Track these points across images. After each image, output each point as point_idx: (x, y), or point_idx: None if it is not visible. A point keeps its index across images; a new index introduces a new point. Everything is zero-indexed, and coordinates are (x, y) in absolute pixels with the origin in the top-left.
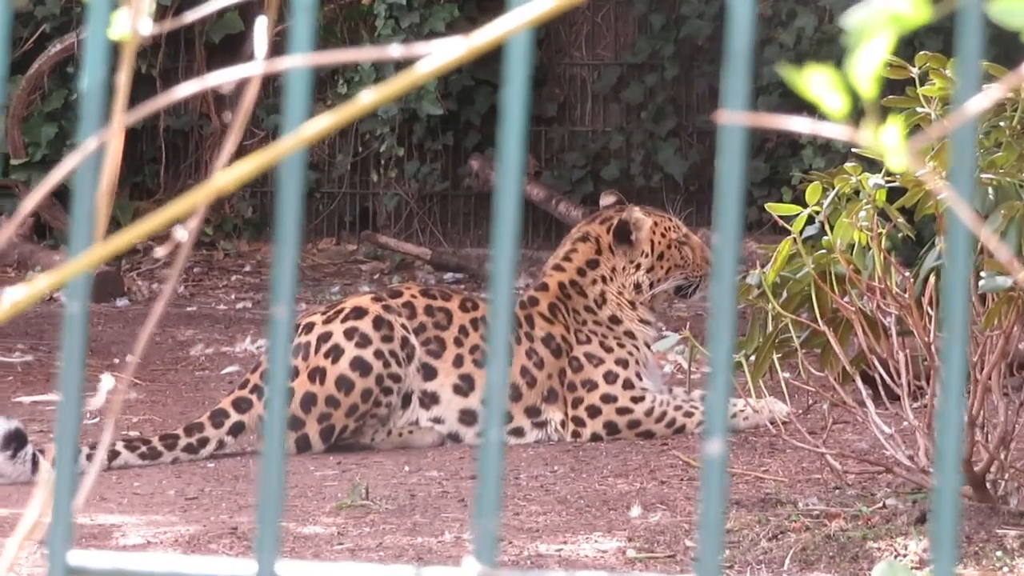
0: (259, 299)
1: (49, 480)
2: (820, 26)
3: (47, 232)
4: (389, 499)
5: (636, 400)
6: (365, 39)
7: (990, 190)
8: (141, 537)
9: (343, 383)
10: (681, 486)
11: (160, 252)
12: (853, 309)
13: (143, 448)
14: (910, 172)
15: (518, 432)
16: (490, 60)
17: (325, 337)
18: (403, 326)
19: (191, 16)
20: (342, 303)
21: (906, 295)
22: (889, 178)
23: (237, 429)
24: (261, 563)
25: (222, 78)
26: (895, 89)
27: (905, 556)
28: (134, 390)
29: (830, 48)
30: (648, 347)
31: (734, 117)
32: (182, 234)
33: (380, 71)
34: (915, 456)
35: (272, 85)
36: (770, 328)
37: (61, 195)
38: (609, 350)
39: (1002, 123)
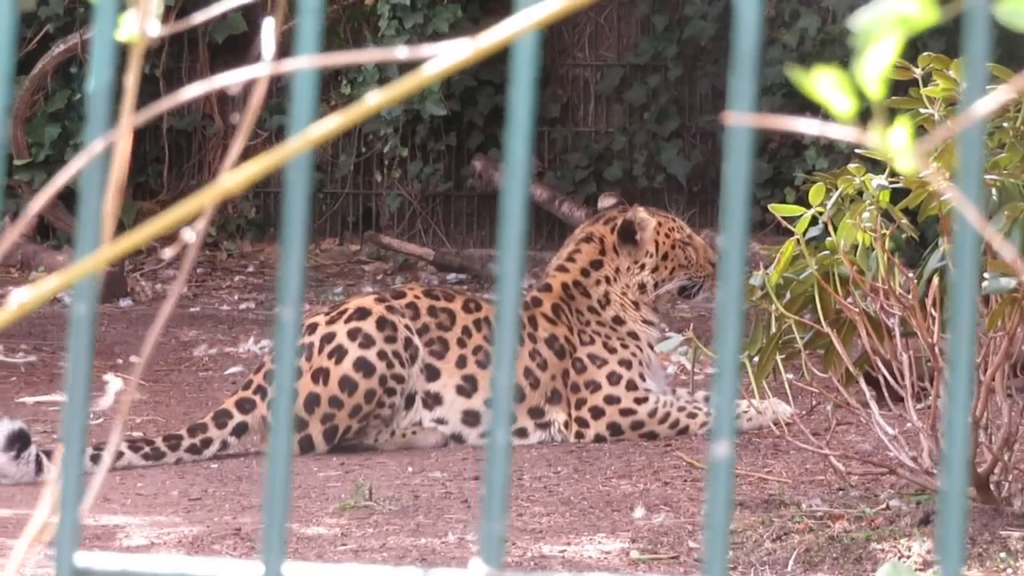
0: (262, 299)
1: (56, 481)
2: (823, 27)
3: (51, 233)
4: (392, 500)
5: (639, 401)
6: (368, 40)
7: (993, 191)
8: (144, 538)
9: (346, 384)
10: (685, 487)
11: (168, 253)
12: (857, 310)
13: (147, 449)
14: (914, 173)
15: (521, 433)
16: (493, 61)
17: (328, 338)
18: (406, 327)
19: (199, 17)
20: (345, 304)
21: (910, 296)
22: (893, 179)
23: (240, 430)
24: (268, 565)
25: (229, 79)
26: (898, 90)
27: (909, 558)
28: (138, 391)
29: (833, 49)
30: (651, 348)
31: (741, 118)
32: (190, 235)
33: (383, 72)
34: (919, 457)
35: (275, 86)
36: (773, 329)
37: (64, 196)
38: (613, 351)
39: (1005, 124)
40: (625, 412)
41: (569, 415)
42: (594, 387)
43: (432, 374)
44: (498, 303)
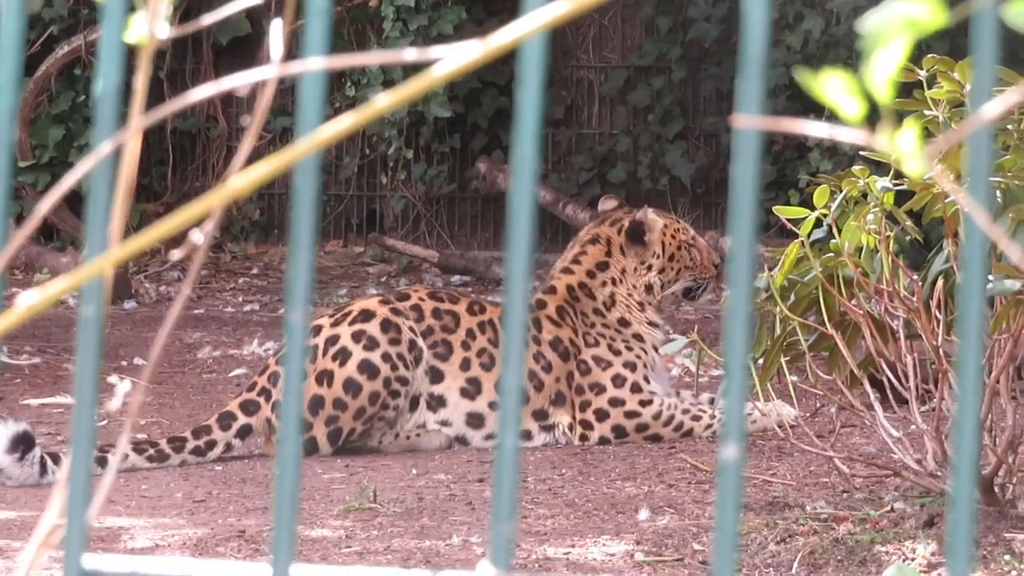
0: (266, 301)
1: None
2: (827, 29)
3: (54, 234)
4: (397, 502)
5: (644, 404)
6: (372, 42)
7: (998, 193)
8: (149, 540)
9: (351, 386)
10: (689, 489)
11: (177, 255)
12: (861, 312)
13: (151, 451)
14: (920, 176)
15: (526, 436)
16: (497, 63)
17: (332, 340)
18: (411, 329)
19: (208, 19)
20: (349, 306)
21: (914, 298)
22: (897, 181)
23: (245, 432)
24: (276, 567)
25: (238, 81)
26: (902, 92)
27: (913, 560)
28: (135, 392)
29: (837, 51)
30: (656, 350)
31: (749, 121)
32: (198, 237)
33: (388, 73)
34: (923, 460)
35: (280, 87)
36: (778, 331)
37: (68, 197)
38: (617, 353)
39: (1009, 126)
40: (629, 415)
41: (573, 417)
42: (598, 389)
43: (436, 376)
44: (506, 305)
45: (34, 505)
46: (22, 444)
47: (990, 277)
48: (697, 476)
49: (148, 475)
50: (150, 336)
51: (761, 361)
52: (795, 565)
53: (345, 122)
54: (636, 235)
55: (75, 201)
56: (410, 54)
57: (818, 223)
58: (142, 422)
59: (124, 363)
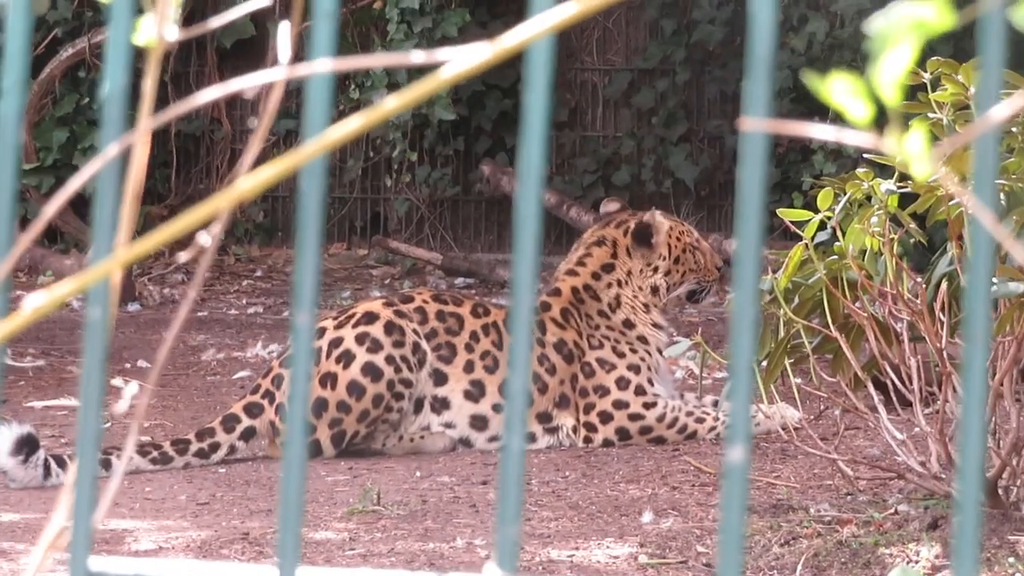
0: (270, 304)
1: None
2: (831, 31)
3: (58, 237)
4: (400, 504)
5: (648, 406)
6: (376, 44)
7: (1002, 195)
8: (153, 542)
9: (354, 388)
10: (693, 492)
11: (184, 257)
12: (865, 315)
13: (155, 453)
14: (926, 178)
15: (530, 438)
16: (501, 66)
17: (336, 342)
18: (414, 331)
19: (216, 22)
20: (353, 308)
21: (918, 301)
22: (901, 184)
23: (249, 434)
24: (282, 569)
25: (245, 83)
26: (906, 95)
27: (917, 562)
28: (143, 395)
29: (841, 54)
30: (660, 352)
31: (756, 123)
32: (205, 239)
33: (392, 76)
34: (927, 462)
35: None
36: (782, 334)
37: (71, 200)
38: (621, 355)
39: (1014, 129)
40: (633, 417)
41: (577, 420)
42: (603, 392)
43: (440, 378)
44: (513, 307)
45: (38, 508)
46: (26, 447)
47: (994, 280)
48: (701, 478)
49: (152, 477)
50: (154, 339)
51: (765, 363)
52: (799, 568)
53: (353, 124)
54: (643, 237)
55: (79, 204)
56: (418, 56)
57: (822, 226)
58: (146, 424)
59: (128, 365)
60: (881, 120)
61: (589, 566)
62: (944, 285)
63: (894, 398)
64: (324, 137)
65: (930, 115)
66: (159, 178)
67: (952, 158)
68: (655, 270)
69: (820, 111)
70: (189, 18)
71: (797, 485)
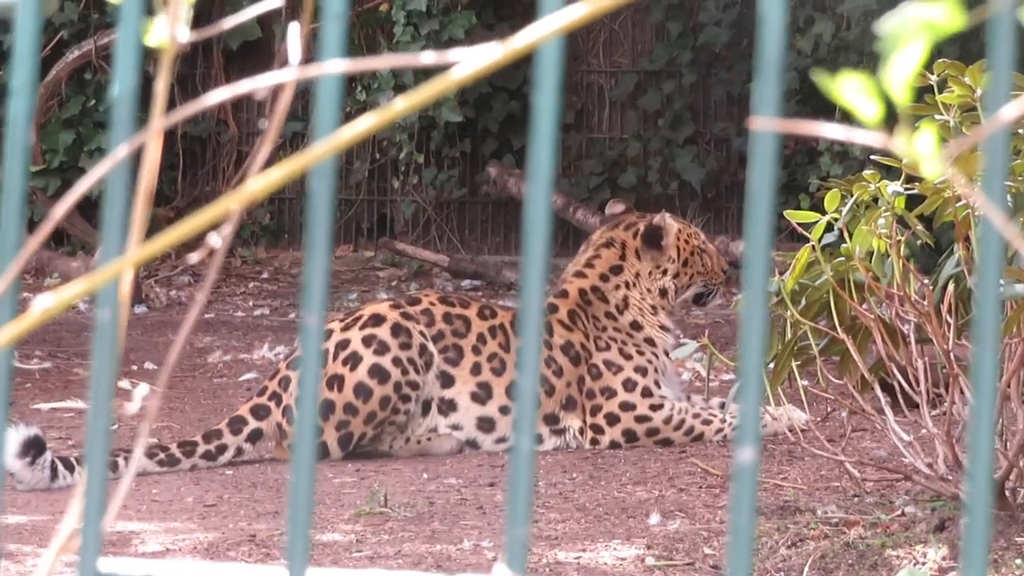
0: (276, 306)
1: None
2: (838, 33)
3: (65, 239)
4: (408, 506)
5: (655, 408)
6: (383, 46)
7: (1008, 197)
8: (160, 544)
9: (361, 390)
10: (700, 494)
11: (194, 258)
12: (872, 317)
13: (161, 455)
14: (931, 179)
15: (537, 440)
16: (508, 68)
17: (343, 344)
18: (421, 333)
19: (227, 23)
20: (360, 310)
21: (925, 302)
22: (908, 185)
23: (255, 436)
24: (292, 570)
25: (254, 84)
26: (913, 96)
27: (924, 564)
28: (153, 397)
29: (847, 55)
30: (667, 355)
31: (766, 124)
32: (216, 241)
33: (399, 78)
34: (934, 464)
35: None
36: (789, 335)
37: (78, 202)
38: (628, 357)
39: (1021, 130)
40: (640, 419)
41: (584, 422)
42: (609, 394)
43: (447, 380)
44: (522, 309)
45: (45, 510)
46: (33, 449)
47: (1001, 281)
48: (708, 480)
49: (159, 479)
50: (160, 341)
51: (772, 365)
52: (806, 569)
53: (364, 124)
54: (653, 239)
55: (85, 206)
56: (428, 57)
57: (829, 227)
58: (153, 426)
59: (135, 367)
60: (889, 121)
61: (596, 568)
62: (951, 287)
63: (901, 400)
64: (334, 137)
65: (937, 117)
66: (165, 180)
67: (959, 159)
68: (664, 272)
69: (826, 113)
70: (195, 20)
71: (804, 487)
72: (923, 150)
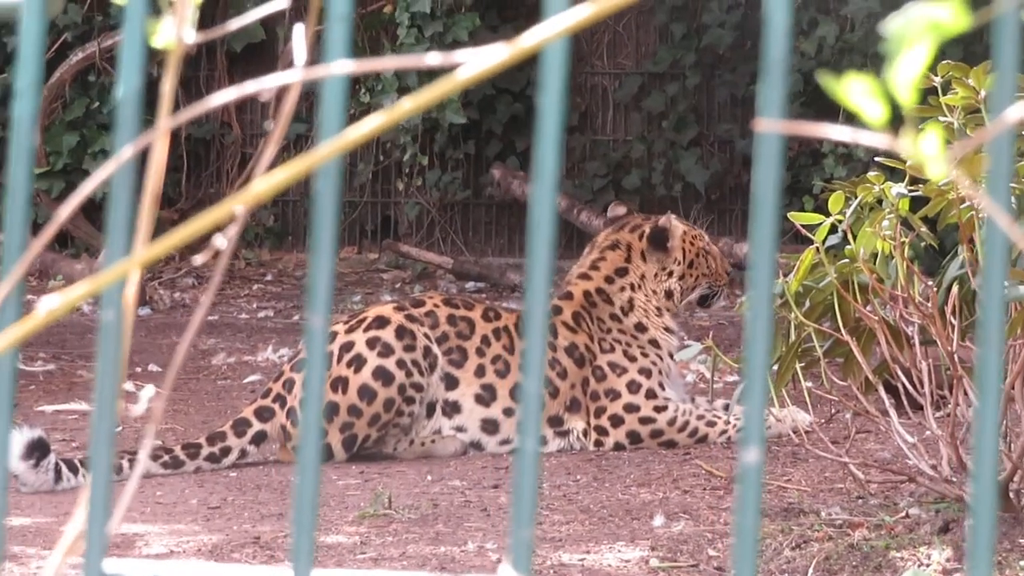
0: (280, 308)
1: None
2: (841, 35)
3: (68, 241)
4: (412, 508)
5: (659, 410)
6: (386, 48)
7: (1013, 199)
8: (164, 546)
9: (365, 392)
10: (704, 495)
11: (199, 260)
12: (876, 318)
13: (165, 457)
14: (935, 181)
15: (541, 442)
16: (512, 69)
17: (347, 346)
18: (425, 335)
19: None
20: (364, 312)
21: (929, 304)
22: (912, 187)
23: (259, 438)
24: (297, 572)
25: (260, 85)
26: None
27: (928, 566)
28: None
29: (851, 57)
30: (671, 356)
31: (771, 125)
32: (221, 242)
33: (403, 80)
34: (938, 465)
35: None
36: (793, 337)
37: (82, 204)
38: (633, 359)
39: None
40: (644, 420)
41: (588, 423)
42: (614, 395)
43: (451, 383)
44: (527, 310)
45: (49, 512)
46: (37, 451)
47: (1005, 283)
48: (712, 482)
49: (163, 481)
50: (164, 343)
51: (776, 367)
52: (810, 571)
53: (369, 125)
54: (659, 241)
55: (89, 208)
56: (434, 58)
57: (833, 229)
58: (157, 428)
59: (139, 369)
60: (893, 123)
61: (600, 570)
62: (955, 288)
63: (905, 402)
64: (340, 138)
65: (940, 119)
66: (169, 182)
67: (964, 161)
68: (669, 274)
69: (830, 115)
70: (199, 22)
71: (808, 489)
72: (928, 151)
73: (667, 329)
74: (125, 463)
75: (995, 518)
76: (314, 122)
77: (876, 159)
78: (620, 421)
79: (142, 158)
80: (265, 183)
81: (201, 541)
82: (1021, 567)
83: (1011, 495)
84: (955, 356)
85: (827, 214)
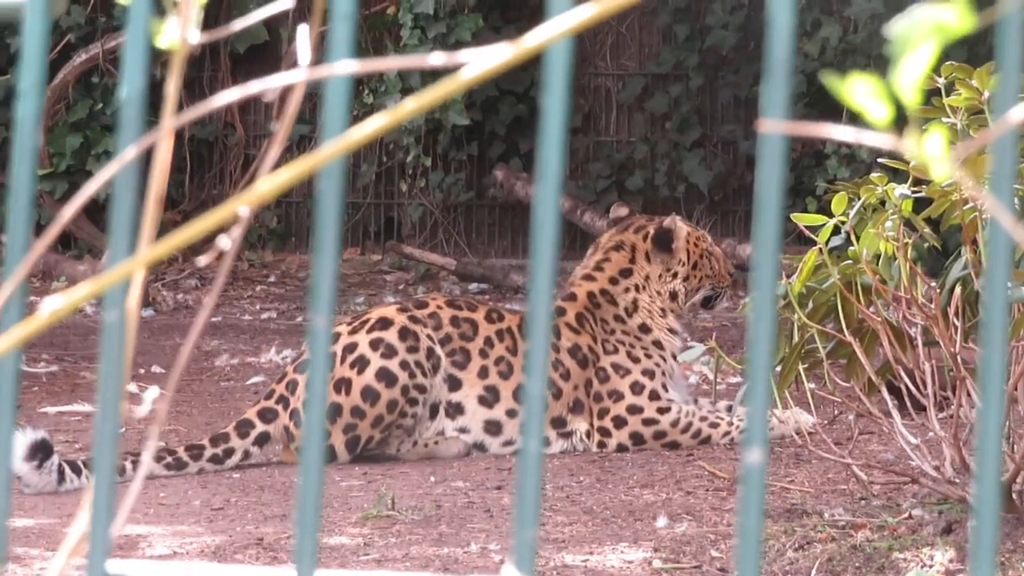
0: (284, 309)
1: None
2: (845, 36)
3: (72, 242)
4: (415, 509)
5: (662, 411)
6: (389, 49)
7: (1016, 200)
8: (167, 547)
9: (369, 394)
10: (707, 496)
11: (203, 260)
12: (879, 319)
13: (169, 459)
14: (938, 182)
15: (544, 443)
16: (515, 70)
17: (351, 348)
18: (429, 337)
19: (237, 25)
20: (367, 313)
21: (932, 305)
22: (915, 188)
23: (263, 439)
24: (300, 574)
25: (264, 85)
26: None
27: (931, 567)
28: (162, 400)
29: (855, 58)
30: (675, 358)
31: (774, 126)
32: (225, 243)
33: (406, 81)
34: (941, 466)
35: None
36: (796, 339)
37: (85, 206)
38: (636, 360)
39: None
40: (647, 422)
41: (591, 425)
42: (617, 397)
43: (454, 384)
44: (530, 311)
45: (52, 513)
46: (40, 452)
47: (1008, 284)
48: (715, 483)
49: (166, 483)
50: (167, 344)
51: (779, 368)
52: (813, 572)
53: (373, 125)
54: (663, 242)
55: (92, 210)
56: (438, 58)
57: (836, 230)
58: (160, 429)
59: (142, 371)
60: (897, 123)
61: (603, 571)
62: (958, 289)
63: (908, 403)
64: (343, 138)
65: (944, 120)
66: (172, 184)
67: (967, 162)
68: (674, 276)
69: (834, 116)
70: (202, 23)
71: (811, 490)
72: (932, 152)
73: (671, 330)
74: (128, 464)
75: (998, 519)
76: (317, 123)
77: (879, 160)
78: (623, 422)
79: (145, 159)
80: (269, 183)
81: (204, 542)
82: None
83: (1014, 496)
84: (958, 357)
85: (830, 215)
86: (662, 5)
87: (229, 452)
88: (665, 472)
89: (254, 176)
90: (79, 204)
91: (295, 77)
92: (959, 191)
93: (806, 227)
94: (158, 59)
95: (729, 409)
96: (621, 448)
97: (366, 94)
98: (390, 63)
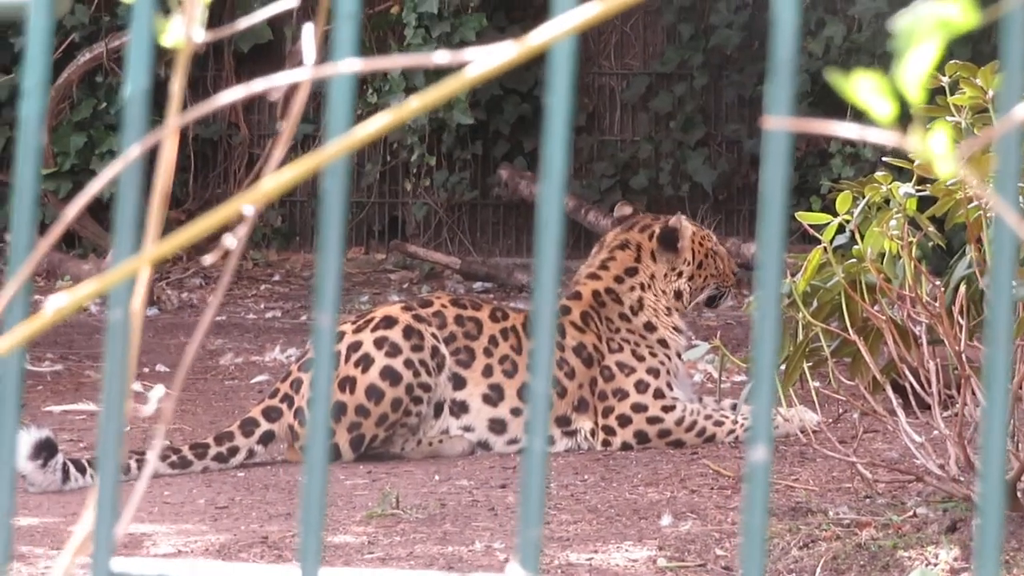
0: (288, 308)
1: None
2: (849, 35)
3: (76, 241)
4: (419, 508)
5: (667, 409)
6: (393, 48)
7: (1021, 198)
8: (172, 546)
9: (373, 392)
10: (711, 495)
11: (208, 259)
12: (883, 318)
13: (173, 457)
14: (943, 181)
15: (548, 441)
16: (520, 69)
17: (355, 346)
18: (433, 335)
19: (242, 24)
20: (372, 312)
21: (937, 304)
22: (920, 187)
23: (267, 438)
24: (304, 570)
25: (269, 83)
26: (925, 98)
27: (936, 565)
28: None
29: (859, 57)
30: (679, 356)
31: (779, 124)
32: (231, 242)
33: (410, 80)
34: (946, 465)
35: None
36: (800, 337)
37: (89, 205)
38: (641, 359)
39: None
40: (652, 420)
41: (596, 423)
42: (621, 395)
43: (459, 382)
44: (535, 310)
45: (56, 512)
46: (44, 451)
47: (1013, 282)
48: (719, 482)
49: (171, 481)
50: (172, 343)
51: (784, 367)
52: (818, 570)
53: (377, 123)
54: (669, 241)
55: (96, 209)
56: (441, 57)
57: (840, 229)
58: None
59: (146, 370)
60: (901, 122)
61: (608, 569)
62: (963, 288)
63: (913, 401)
64: (347, 137)
65: (948, 119)
66: (177, 183)
67: (972, 160)
68: (679, 275)
69: (838, 115)
70: (207, 22)
71: (816, 488)
72: (937, 150)
73: (676, 329)
74: (133, 463)
75: (1003, 517)
76: (321, 122)
77: (883, 159)
78: (628, 421)
79: (149, 159)
80: (273, 181)
81: (209, 541)
82: None
83: (1019, 494)
84: (963, 356)
85: (835, 214)
86: (666, 4)
87: (234, 451)
88: (670, 470)
89: (258, 175)
90: (83, 203)
91: (299, 76)
92: (963, 189)
93: (810, 226)
94: (162, 58)
95: (734, 407)
96: (626, 446)
97: (370, 93)
98: (394, 62)
